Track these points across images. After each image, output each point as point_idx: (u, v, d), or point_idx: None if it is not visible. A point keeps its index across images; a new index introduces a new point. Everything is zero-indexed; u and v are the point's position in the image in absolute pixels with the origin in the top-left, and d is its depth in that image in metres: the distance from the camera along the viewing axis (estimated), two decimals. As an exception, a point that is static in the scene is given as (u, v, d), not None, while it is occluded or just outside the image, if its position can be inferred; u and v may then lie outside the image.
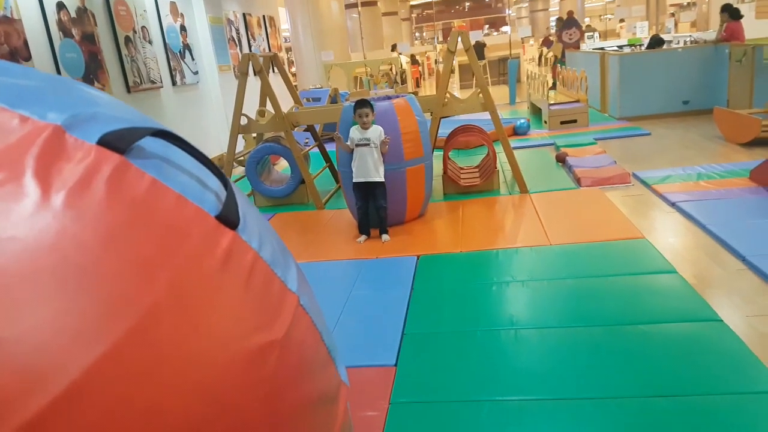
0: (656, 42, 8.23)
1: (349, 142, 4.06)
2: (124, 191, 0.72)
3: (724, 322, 2.44)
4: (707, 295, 2.72)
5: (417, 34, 42.17)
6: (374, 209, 4.09)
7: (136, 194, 0.72)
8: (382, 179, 4.01)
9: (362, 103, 4.00)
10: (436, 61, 23.92)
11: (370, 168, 3.97)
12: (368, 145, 3.96)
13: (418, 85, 16.36)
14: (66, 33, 5.40)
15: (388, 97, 4.56)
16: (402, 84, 11.84)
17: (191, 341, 0.68)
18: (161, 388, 0.65)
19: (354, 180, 4.06)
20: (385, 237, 4.04)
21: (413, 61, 17.08)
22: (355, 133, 4.04)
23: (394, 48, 13.44)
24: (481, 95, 4.85)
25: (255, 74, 5.21)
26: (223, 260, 0.76)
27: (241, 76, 5.00)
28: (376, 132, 3.97)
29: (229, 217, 0.84)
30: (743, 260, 3.04)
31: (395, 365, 2.43)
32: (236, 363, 0.73)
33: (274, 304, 0.83)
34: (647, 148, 6.09)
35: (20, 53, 4.81)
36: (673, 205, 4.07)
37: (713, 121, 6.35)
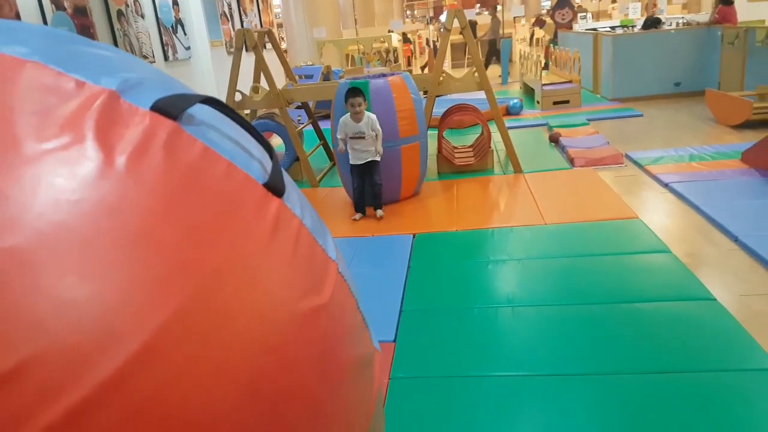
0: (652, 22, 8.23)
1: (340, 134, 3.95)
2: (180, 158, 0.73)
3: (717, 301, 2.49)
4: (700, 274, 2.77)
5: (408, 12, 41.75)
6: (369, 186, 4.07)
7: (190, 161, 0.73)
8: (378, 158, 4.01)
9: (354, 92, 3.81)
10: (427, 40, 23.75)
11: (367, 152, 3.95)
12: (363, 137, 3.87)
13: (409, 63, 16.24)
14: (58, 5, 5.31)
15: (383, 75, 4.54)
16: (395, 63, 11.75)
17: (251, 302, 0.71)
18: (227, 345, 0.68)
19: (351, 162, 4.03)
20: (379, 212, 4.05)
21: (405, 39, 16.94)
22: (347, 125, 3.91)
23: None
24: (476, 74, 4.85)
25: (247, 50, 5.15)
26: (273, 227, 0.78)
27: (236, 52, 4.95)
28: (369, 122, 3.86)
29: (276, 185, 0.86)
30: (735, 240, 3.10)
31: (394, 341, 2.46)
32: (292, 323, 0.75)
33: (320, 271, 0.86)
34: (639, 129, 6.13)
35: (10, 25, 4.72)
36: (666, 185, 4.12)
37: (704, 103, 6.39)
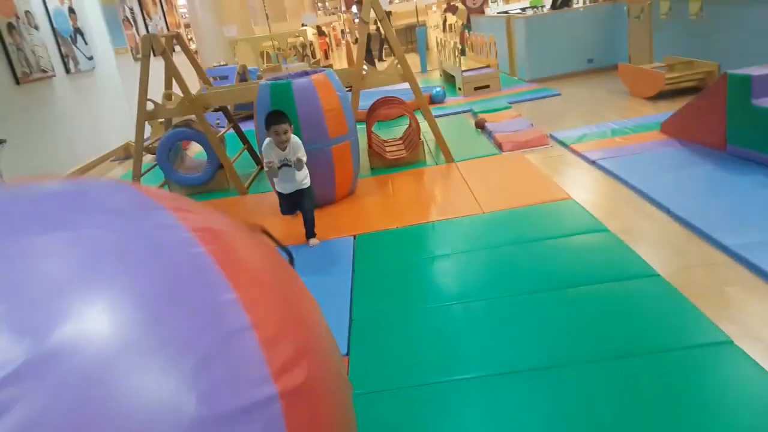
0: (564, 2, 8.43)
1: (268, 158, 3.44)
2: None
3: (661, 276, 2.52)
4: (639, 249, 2.81)
5: (320, 4, 41.29)
6: (301, 212, 3.66)
7: None
8: (309, 184, 3.60)
9: (277, 117, 3.34)
10: (342, 32, 23.53)
11: (295, 180, 3.52)
12: (290, 165, 3.44)
13: (327, 57, 16.04)
14: (-65, 22, 4.82)
15: (306, 73, 4.39)
16: (314, 58, 11.55)
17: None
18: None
19: (277, 189, 3.64)
20: (313, 241, 3.56)
21: (320, 32, 16.72)
22: (271, 153, 3.44)
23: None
24: (399, 66, 4.78)
25: (155, 56, 4.86)
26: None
27: (143, 59, 4.65)
28: (295, 149, 3.42)
29: None
30: (668, 212, 3.17)
31: (347, 354, 2.36)
32: None
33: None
34: (559, 109, 6.26)
35: None
36: (593, 163, 4.20)
37: (618, 77, 6.61)
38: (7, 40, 5.67)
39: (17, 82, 5.81)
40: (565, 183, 3.91)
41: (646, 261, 2.68)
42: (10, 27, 5.77)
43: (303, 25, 14.13)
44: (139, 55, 8.58)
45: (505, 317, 2.44)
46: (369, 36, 12.04)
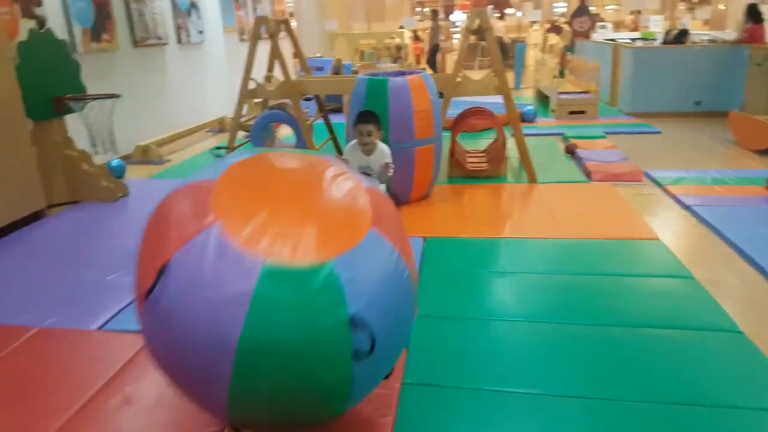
0: (681, 35, 8.06)
1: (348, 160, 3.18)
2: None
3: (744, 334, 2.37)
4: (724, 303, 2.64)
5: (418, 9, 41.55)
6: None
7: None
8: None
9: (365, 117, 3.09)
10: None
11: None
12: (370, 175, 3.09)
13: (417, 62, 16.09)
14: (75, -20, 5.18)
15: (402, 73, 4.41)
16: (406, 60, 11.61)
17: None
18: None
19: None
20: None
21: (415, 37, 16.77)
22: (353, 155, 3.18)
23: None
24: (495, 77, 4.71)
25: (264, 38, 5.02)
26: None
27: (253, 39, 4.81)
28: (379, 158, 3.10)
29: None
30: (762, 271, 2.97)
31: (406, 346, 2.35)
32: None
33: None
34: (657, 147, 5.99)
35: (32, -1, 4.64)
36: (687, 208, 3.99)
37: (726, 125, 6.25)
38: (132, 5, 6.02)
39: (134, 44, 6.16)
40: (653, 223, 3.73)
41: (730, 315, 2.51)
42: (136, -7, 6.12)
43: (400, 27, 14.23)
44: (244, 36, 8.93)
45: (566, 344, 2.37)
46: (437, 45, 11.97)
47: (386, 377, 1.81)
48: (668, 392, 2.04)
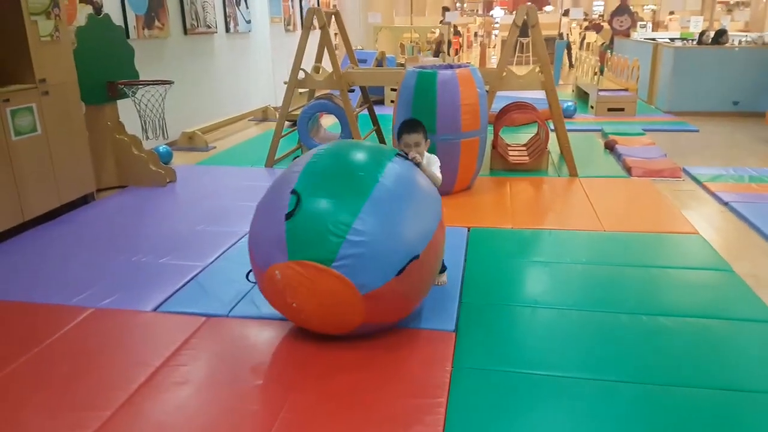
0: (719, 34, 8.04)
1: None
2: None
3: (784, 325, 2.46)
4: (764, 296, 2.73)
5: (458, 4, 41.33)
6: None
7: None
8: None
9: (412, 126, 2.75)
10: (475, 34, 23.47)
11: None
12: None
13: (456, 55, 16.14)
14: (133, -31, 5.39)
15: (450, 66, 4.53)
16: (448, 54, 11.67)
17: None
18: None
19: None
20: (442, 279, 2.89)
21: (455, 31, 16.81)
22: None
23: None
24: (540, 73, 4.81)
25: (315, 29, 5.18)
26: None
27: (305, 30, 4.98)
28: (427, 170, 2.67)
29: None
30: (802, 267, 3.04)
31: (455, 331, 2.49)
32: None
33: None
34: (696, 145, 6.02)
35: (89, -15, 4.83)
36: (725, 204, 4.06)
37: (762, 124, 6.26)
38: (184, -7, 6.23)
39: (185, 32, 6.38)
40: (693, 218, 3.81)
41: (771, 308, 2.61)
42: (188, -18, 6.33)
43: (441, 21, 14.28)
44: (290, 26, 9.11)
45: (611, 331, 2.47)
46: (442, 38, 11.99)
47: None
48: (711, 378, 2.14)
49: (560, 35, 11.77)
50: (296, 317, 2.35)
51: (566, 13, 13.77)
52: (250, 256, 2.38)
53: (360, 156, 2.36)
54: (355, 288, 2.13)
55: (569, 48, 11.19)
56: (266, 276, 2.25)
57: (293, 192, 2.19)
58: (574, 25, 18.69)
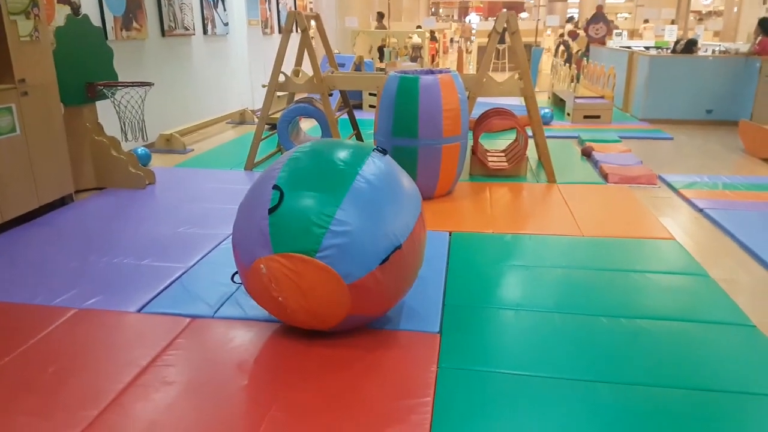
0: (691, 44, 8.25)
1: None
2: None
3: (757, 328, 2.54)
4: (738, 299, 2.82)
5: (433, 10, 41.67)
6: None
7: None
8: None
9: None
10: (451, 39, 23.69)
11: None
12: None
13: (433, 61, 16.27)
14: (112, -31, 5.34)
15: (431, 71, 4.58)
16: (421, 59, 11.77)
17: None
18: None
19: None
20: None
21: (432, 37, 16.96)
22: None
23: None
24: (520, 80, 4.88)
25: (296, 32, 5.18)
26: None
27: (285, 33, 4.98)
28: None
29: None
30: (774, 271, 3.14)
31: (439, 332, 2.52)
32: None
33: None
34: (670, 152, 6.17)
35: (69, -16, 4.77)
36: (700, 211, 4.16)
37: (735, 133, 6.43)
38: (163, -5, 6.18)
39: (163, 34, 6.33)
40: (668, 224, 3.90)
41: (743, 311, 2.69)
42: (167, -16, 6.28)
43: (418, 27, 14.39)
44: (267, 29, 9.09)
45: (590, 333, 2.52)
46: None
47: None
48: (688, 379, 2.20)
49: (564, 43, 11.89)
50: (282, 313, 2.35)
51: (570, 20, 13.96)
52: (235, 255, 2.40)
53: (339, 152, 2.39)
54: (339, 278, 2.17)
55: (568, 53, 11.28)
56: (251, 272, 2.27)
57: (275, 187, 2.25)
58: (548, 32, 18.99)
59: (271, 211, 2.21)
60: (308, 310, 2.27)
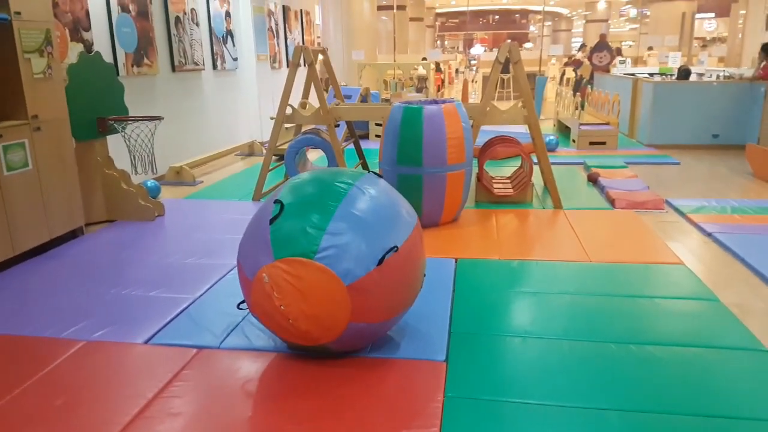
0: (684, 73, 8.33)
1: None
2: None
3: (769, 352, 2.50)
4: (750, 325, 2.78)
5: (438, 42, 42.28)
6: None
7: None
8: None
9: None
10: (456, 70, 23.96)
11: None
12: None
13: (438, 90, 16.46)
14: (124, 8, 5.50)
15: (435, 101, 4.63)
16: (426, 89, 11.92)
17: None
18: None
19: None
20: None
21: (437, 68, 17.19)
22: None
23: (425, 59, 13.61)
24: (524, 108, 4.93)
25: (303, 66, 5.28)
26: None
27: (292, 67, 5.08)
28: None
29: None
30: (785, 295, 3.10)
31: (445, 361, 2.50)
32: None
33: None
34: (677, 177, 6.16)
35: (81, 23, 4.91)
36: (709, 235, 4.14)
37: (742, 157, 6.43)
38: (173, 31, 6.33)
39: (173, 69, 6.46)
40: (677, 249, 3.88)
41: (755, 335, 2.66)
42: (177, 20, 6.44)
43: (423, 59, 14.60)
44: (275, 64, 9.25)
45: (600, 360, 2.50)
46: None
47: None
48: (699, 405, 2.17)
49: (579, 77, 11.97)
50: (285, 326, 2.34)
51: (581, 47, 14.04)
52: (239, 272, 2.47)
53: (337, 173, 2.58)
54: (338, 278, 2.23)
55: (579, 84, 11.33)
56: (255, 284, 2.33)
57: (276, 201, 2.40)
58: (553, 61, 19.17)
59: (272, 221, 2.34)
60: (309, 315, 2.28)
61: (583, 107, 9.42)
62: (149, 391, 2.30)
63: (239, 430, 2.06)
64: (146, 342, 2.73)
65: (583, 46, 14.47)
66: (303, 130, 5.76)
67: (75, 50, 4.94)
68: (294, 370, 2.43)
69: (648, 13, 21.56)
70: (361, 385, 2.31)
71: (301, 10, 10.90)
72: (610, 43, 12.22)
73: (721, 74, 8.85)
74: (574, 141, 7.88)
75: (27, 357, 2.60)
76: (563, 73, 15.71)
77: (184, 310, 3.03)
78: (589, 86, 10.57)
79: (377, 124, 8.80)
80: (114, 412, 2.17)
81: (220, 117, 7.72)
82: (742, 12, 13.72)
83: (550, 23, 38.01)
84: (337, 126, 6.33)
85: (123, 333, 2.80)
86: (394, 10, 15.30)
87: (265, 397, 2.28)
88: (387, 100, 9.06)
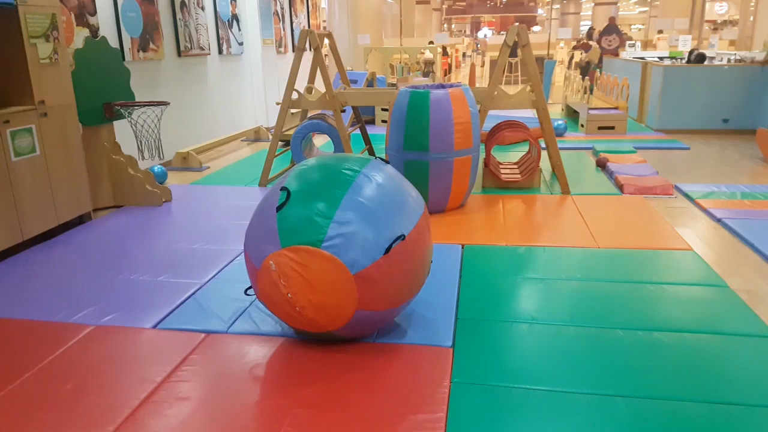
0: (698, 58, 8.21)
1: None
2: None
3: (779, 338, 2.49)
4: (759, 311, 2.77)
5: (445, 26, 41.91)
6: None
7: None
8: None
9: None
10: (464, 54, 23.79)
11: None
12: None
13: (445, 75, 16.34)
14: (129, -8, 5.45)
15: (442, 85, 4.60)
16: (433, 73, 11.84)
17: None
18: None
19: None
20: None
21: (444, 52, 17.05)
22: None
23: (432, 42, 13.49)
24: (532, 92, 4.88)
25: (309, 50, 5.24)
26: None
27: (298, 51, 5.04)
28: None
29: None
30: (794, 281, 3.08)
31: (452, 347, 2.50)
32: None
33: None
34: (686, 162, 6.11)
35: (87, 8, 4.89)
36: (718, 221, 4.11)
37: (752, 142, 6.36)
38: (178, 15, 6.30)
39: (179, 54, 6.44)
40: (686, 234, 3.86)
41: (765, 322, 2.64)
42: (182, 5, 6.40)
43: (430, 42, 14.50)
44: (281, 48, 9.20)
45: (607, 346, 2.49)
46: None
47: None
48: (707, 392, 2.16)
49: (586, 63, 11.83)
50: (292, 314, 2.35)
51: (589, 34, 13.88)
52: (246, 260, 2.46)
53: (344, 159, 2.55)
54: (345, 267, 2.23)
55: (587, 69, 11.19)
56: (262, 272, 2.33)
57: (283, 188, 2.38)
58: (561, 45, 18.99)
59: (279, 208, 2.33)
60: (316, 304, 2.29)
61: (591, 91, 9.33)
62: (158, 375, 2.32)
63: (247, 415, 2.07)
64: (154, 327, 2.74)
65: (591, 30, 14.30)
66: (309, 115, 5.74)
67: (81, 35, 4.92)
68: (301, 356, 2.44)
69: (658, -4, 21.28)
70: (367, 371, 2.32)
71: (307, -6, 10.82)
72: (619, 26, 12.08)
73: (732, 58, 8.73)
74: (582, 126, 7.82)
75: (37, 342, 2.62)
76: (571, 57, 15.57)
77: (192, 295, 3.04)
78: (597, 70, 10.47)
79: (383, 109, 8.76)
80: (123, 396, 2.19)
81: (225, 102, 7.70)
82: (754, -6, 13.53)
83: (558, 6, 37.58)
84: (343, 111, 6.30)
85: (131, 318, 2.82)
86: (401, -6, 15.15)
87: (273, 382, 2.29)
88: (393, 85, 9.01)
